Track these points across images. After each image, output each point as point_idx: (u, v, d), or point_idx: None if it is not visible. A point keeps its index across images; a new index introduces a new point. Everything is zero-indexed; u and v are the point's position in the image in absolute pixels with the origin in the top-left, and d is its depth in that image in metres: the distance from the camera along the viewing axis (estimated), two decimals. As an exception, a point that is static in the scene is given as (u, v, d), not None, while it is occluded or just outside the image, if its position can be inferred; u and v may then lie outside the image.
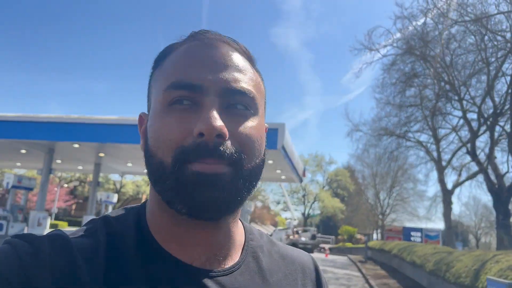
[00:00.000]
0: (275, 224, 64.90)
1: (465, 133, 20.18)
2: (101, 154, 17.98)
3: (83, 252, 0.54)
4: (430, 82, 19.23)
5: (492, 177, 16.90)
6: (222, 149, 0.55)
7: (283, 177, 18.87)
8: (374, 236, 46.26)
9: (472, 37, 16.65)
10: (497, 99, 17.50)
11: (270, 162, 14.15)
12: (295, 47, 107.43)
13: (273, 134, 12.07)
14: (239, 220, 0.70)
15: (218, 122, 0.54)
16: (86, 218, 18.37)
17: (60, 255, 0.52)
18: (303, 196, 54.03)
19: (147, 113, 0.67)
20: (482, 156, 18.40)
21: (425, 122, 21.46)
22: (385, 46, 18.86)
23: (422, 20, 17.21)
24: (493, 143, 17.28)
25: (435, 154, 22.21)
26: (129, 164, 20.85)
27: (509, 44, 15.08)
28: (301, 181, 19.69)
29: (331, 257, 25.87)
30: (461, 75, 18.06)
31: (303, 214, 54.20)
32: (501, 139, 18.23)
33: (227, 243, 0.64)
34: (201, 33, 0.63)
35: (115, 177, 43.81)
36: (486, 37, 15.92)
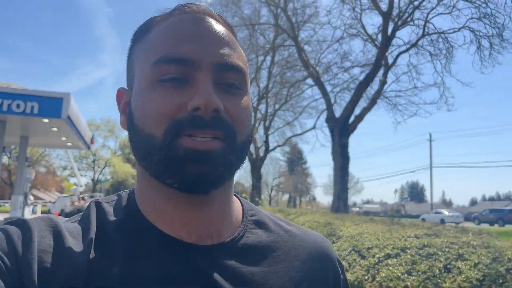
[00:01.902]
0: (61, 191, 61.27)
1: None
2: None
3: (73, 235, 0.54)
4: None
5: (252, 149, 20.97)
6: (218, 121, 0.53)
7: (69, 144, 18.27)
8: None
9: (246, 31, 20.07)
10: (261, 85, 21.81)
11: (55, 129, 13.86)
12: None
13: (58, 103, 11.79)
14: (235, 197, 0.68)
15: (215, 96, 0.53)
16: None
17: (48, 237, 0.52)
18: (93, 161, 52.70)
19: (126, 88, 0.64)
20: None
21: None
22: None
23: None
24: (255, 122, 21.14)
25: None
26: None
27: (268, 45, 19.03)
28: (88, 148, 19.63)
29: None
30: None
31: (93, 179, 52.98)
32: (261, 119, 22.42)
33: (219, 220, 0.61)
34: (187, 6, 0.60)
35: None
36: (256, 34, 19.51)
